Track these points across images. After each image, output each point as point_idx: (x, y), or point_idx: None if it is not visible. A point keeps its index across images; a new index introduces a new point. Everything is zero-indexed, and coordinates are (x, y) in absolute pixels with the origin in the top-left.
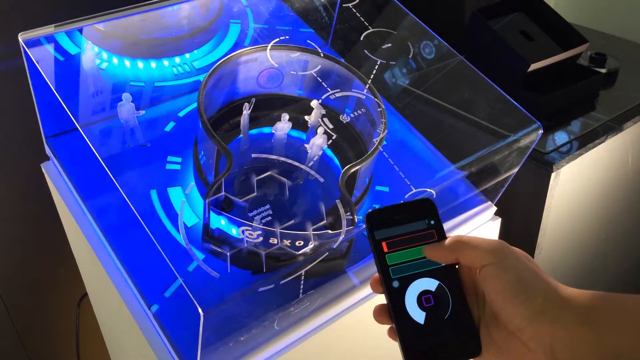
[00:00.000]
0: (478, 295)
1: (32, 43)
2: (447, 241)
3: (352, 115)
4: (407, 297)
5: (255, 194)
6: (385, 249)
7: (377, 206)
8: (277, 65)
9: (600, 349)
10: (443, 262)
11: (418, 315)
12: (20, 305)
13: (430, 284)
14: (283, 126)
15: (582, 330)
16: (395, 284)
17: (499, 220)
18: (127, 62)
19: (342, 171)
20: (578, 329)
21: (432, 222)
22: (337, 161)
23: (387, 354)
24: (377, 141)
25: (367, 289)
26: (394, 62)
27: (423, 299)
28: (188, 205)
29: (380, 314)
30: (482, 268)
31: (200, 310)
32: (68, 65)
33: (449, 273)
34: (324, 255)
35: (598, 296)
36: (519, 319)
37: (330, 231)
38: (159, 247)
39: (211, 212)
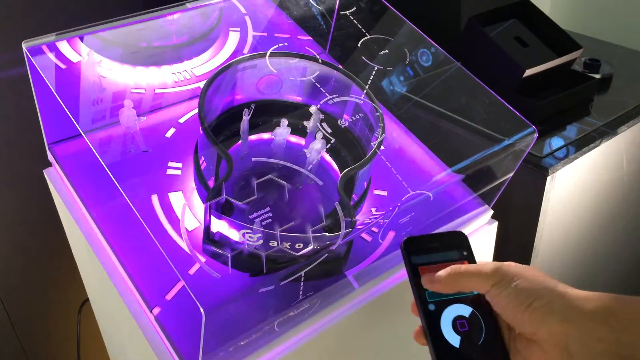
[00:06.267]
0: None
1: (35, 51)
2: (441, 273)
3: (350, 120)
4: (443, 321)
5: (255, 197)
6: (421, 273)
7: (380, 214)
8: (276, 72)
9: (617, 347)
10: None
11: (453, 338)
12: (22, 311)
13: (464, 310)
14: (282, 131)
15: (599, 330)
16: (431, 307)
17: (495, 224)
18: (127, 70)
19: (341, 175)
20: (594, 328)
21: (465, 252)
22: (335, 165)
23: (386, 355)
24: (375, 145)
25: (366, 292)
26: (391, 68)
27: (458, 323)
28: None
29: (421, 335)
30: (486, 293)
31: (202, 309)
32: (70, 73)
33: (481, 300)
34: (323, 257)
35: (612, 297)
36: (529, 325)
37: (328, 234)
38: (161, 249)
39: (212, 215)
